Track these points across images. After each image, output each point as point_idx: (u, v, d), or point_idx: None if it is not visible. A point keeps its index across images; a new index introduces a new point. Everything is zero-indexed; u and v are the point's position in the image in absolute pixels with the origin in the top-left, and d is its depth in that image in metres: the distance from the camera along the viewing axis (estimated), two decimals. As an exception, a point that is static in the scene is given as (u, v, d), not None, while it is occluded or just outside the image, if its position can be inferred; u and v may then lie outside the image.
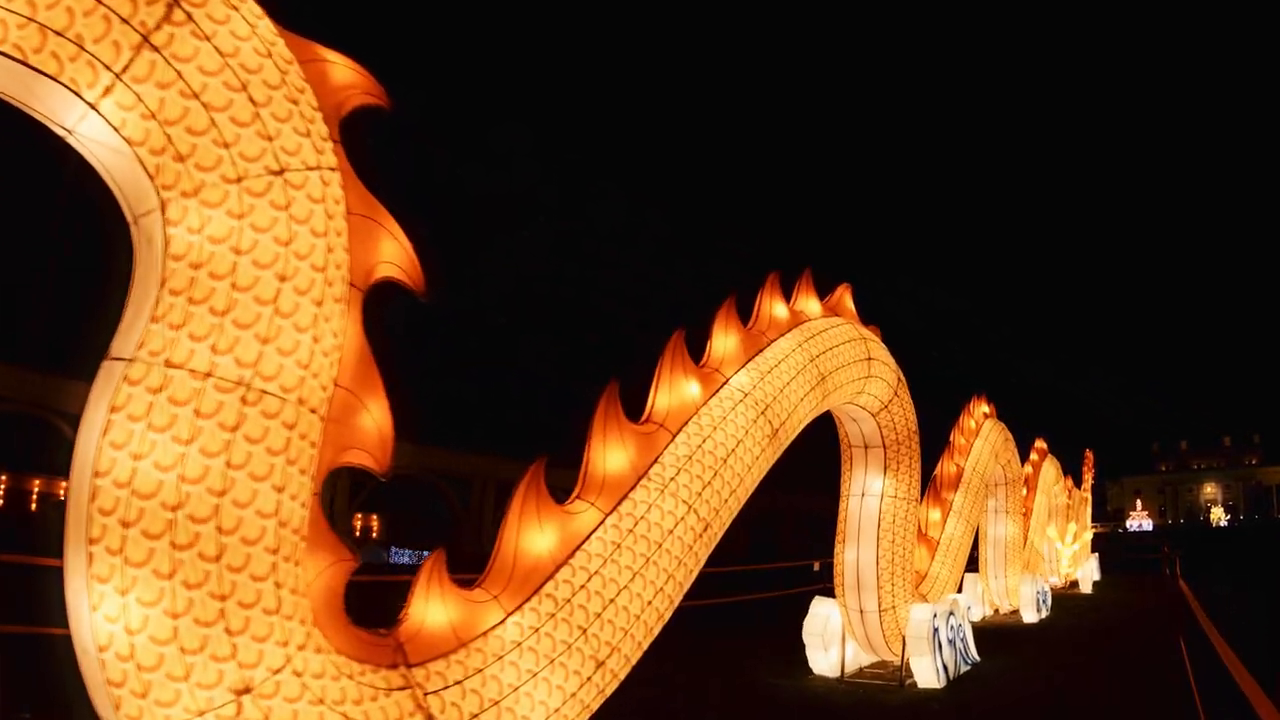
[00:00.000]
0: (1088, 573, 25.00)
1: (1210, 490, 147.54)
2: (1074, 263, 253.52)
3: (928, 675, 9.83)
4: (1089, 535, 25.85)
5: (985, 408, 16.28)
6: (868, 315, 9.45)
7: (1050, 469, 23.56)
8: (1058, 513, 25.83)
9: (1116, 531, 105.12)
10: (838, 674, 10.13)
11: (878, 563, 9.71)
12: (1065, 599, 22.30)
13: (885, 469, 9.90)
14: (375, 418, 4.05)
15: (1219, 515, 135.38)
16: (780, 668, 10.73)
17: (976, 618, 17.44)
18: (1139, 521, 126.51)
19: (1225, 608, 18.60)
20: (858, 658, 10.60)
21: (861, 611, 9.88)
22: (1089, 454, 35.57)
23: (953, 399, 15.71)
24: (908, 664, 10.03)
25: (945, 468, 13.70)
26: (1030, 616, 17.16)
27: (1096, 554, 32.36)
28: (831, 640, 10.22)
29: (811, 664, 10.32)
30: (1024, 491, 21.91)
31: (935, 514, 12.88)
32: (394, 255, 4.15)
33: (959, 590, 14.27)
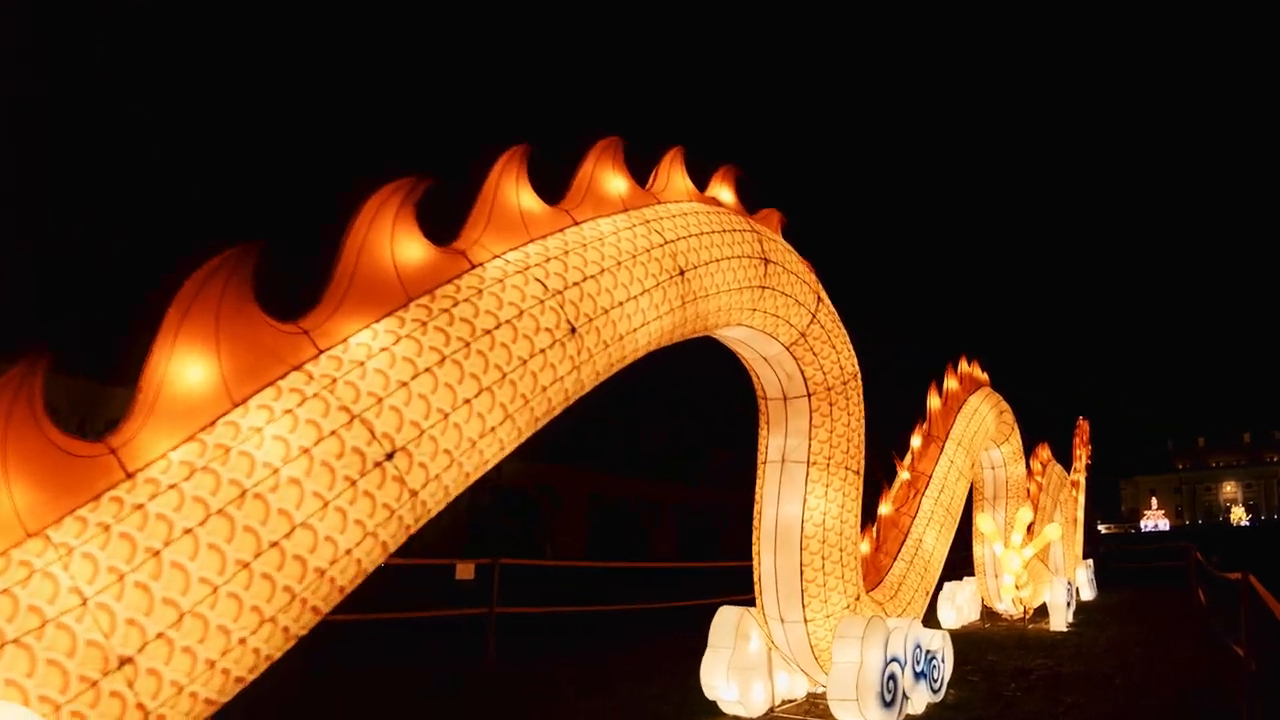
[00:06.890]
0: (1058, 598, 14.19)
1: (1230, 489, 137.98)
2: (1088, 255, 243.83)
3: None
4: (1057, 531, 15.05)
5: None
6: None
7: (987, 410, 12.95)
8: (1010, 493, 15.18)
9: (1129, 532, 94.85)
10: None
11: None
12: (1005, 652, 11.70)
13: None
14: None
15: (1240, 515, 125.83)
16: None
17: (750, 715, 7.04)
18: (1154, 522, 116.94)
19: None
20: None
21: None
22: (1083, 423, 24.79)
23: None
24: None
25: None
26: (864, 728, 6.68)
27: (1090, 561, 21.97)
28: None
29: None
30: (919, 441, 11.41)
31: None
32: None
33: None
